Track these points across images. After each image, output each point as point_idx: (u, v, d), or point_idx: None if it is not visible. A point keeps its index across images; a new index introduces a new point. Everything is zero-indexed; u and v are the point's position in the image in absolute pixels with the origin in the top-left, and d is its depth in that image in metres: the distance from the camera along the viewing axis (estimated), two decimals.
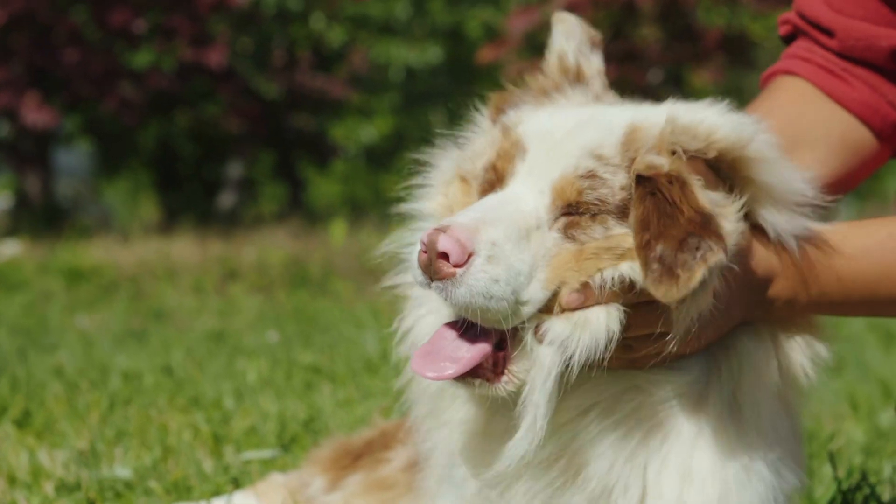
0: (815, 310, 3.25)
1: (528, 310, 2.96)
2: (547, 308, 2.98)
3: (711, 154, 3.02)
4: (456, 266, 2.88)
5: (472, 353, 2.99)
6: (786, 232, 3.13)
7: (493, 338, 3.00)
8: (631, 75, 27.37)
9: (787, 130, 3.44)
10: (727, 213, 2.95)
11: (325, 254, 20.24)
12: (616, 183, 2.98)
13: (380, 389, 7.35)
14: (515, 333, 3.00)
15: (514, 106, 3.28)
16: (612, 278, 2.93)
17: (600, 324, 2.94)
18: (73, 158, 41.47)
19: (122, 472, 5.10)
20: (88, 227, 25.41)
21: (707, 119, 3.08)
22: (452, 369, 2.98)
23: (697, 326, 2.95)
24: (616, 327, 2.94)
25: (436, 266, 2.89)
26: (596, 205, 2.97)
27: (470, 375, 2.99)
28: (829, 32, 3.77)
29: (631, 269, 2.92)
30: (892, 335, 10.48)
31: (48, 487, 4.87)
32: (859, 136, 3.76)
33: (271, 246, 20.86)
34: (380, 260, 3.35)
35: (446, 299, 2.92)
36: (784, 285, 3.16)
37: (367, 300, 15.41)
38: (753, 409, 3.13)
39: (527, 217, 2.99)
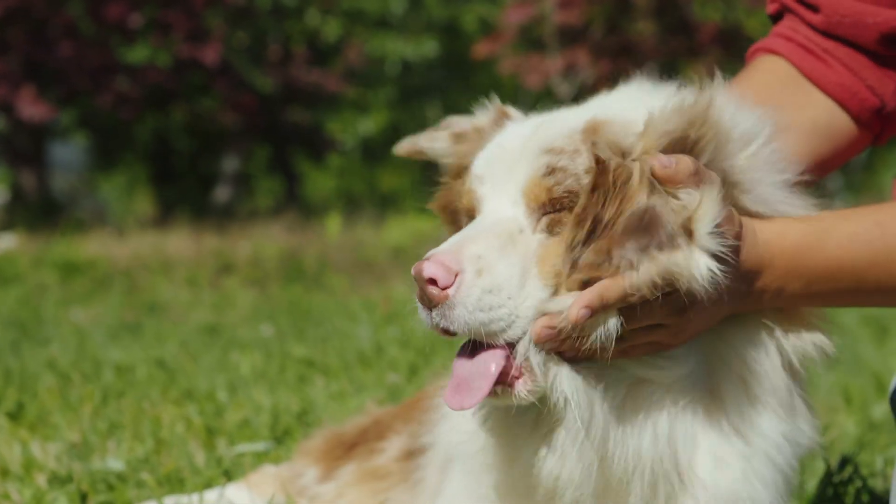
0: (804, 301, 3.21)
1: (531, 313, 2.94)
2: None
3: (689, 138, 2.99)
4: (445, 288, 2.89)
5: (487, 369, 2.96)
6: (770, 213, 3.13)
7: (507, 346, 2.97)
8: (626, 69, 27.29)
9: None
10: (698, 213, 2.89)
11: (320, 248, 20.23)
12: (579, 167, 2.98)
13: (373, 382, 7.35)
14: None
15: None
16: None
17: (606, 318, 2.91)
18: (69, 152, 41.45)
19: (115, 464, 5.09)
20: (83, 221, 25.40)
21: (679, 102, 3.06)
22: (478, 392, 2.95)
23: (689, 317, 2.95)
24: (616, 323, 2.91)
25: (428, 294, 2.91)
26: (567, 197, 2.97)
27: (497, 385, 2.97)
28: (814, 7, 3.69)
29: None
30: (886, 329, 10.49)
31: (41, 480, 4.87)
32: (836, 120, 3.68)
33: (266, 240, 20.86)
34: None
35: (446, 324, 2.92)
36: (772, 276, 3.12)
37: (362, 294, 15.44)
38: (755, 389, 3.13)
39: (507, 223, 3.00)
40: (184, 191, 38.71)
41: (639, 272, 2.82)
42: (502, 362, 2.95)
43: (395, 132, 40.59)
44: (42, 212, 27.40)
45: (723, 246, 2.88)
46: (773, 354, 3.16)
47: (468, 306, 2.89)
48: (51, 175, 34.61)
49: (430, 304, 2.92)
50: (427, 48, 37.04)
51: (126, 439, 5.66)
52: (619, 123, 3.03)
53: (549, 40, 28.60)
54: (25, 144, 30.72)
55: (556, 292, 2.94)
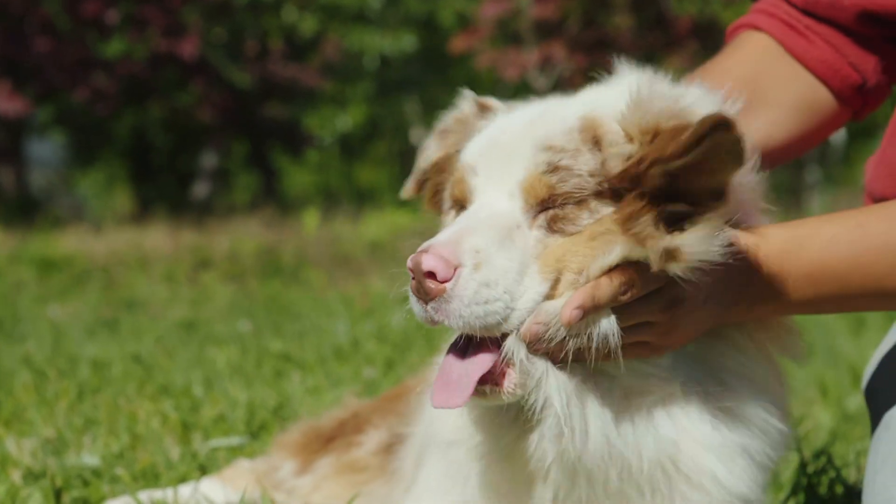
0: (791, 308, 3.20)
1: (528, 306, 2.90)
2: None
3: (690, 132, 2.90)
4: (444, 282, 2.84)
5: (477, 366, 2.93)
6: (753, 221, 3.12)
7: (499, 344, 2.94)
8: (603, 63, 27.36)
9: (747, 88, 3.40)
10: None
11: (298, 243, 20.24)
12: (582, 167, 2.94)
13: (349, 377, 7.36)
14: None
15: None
16: (608, 262, 2.88)
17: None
18: (47, 149, 41.32)
19: (90, 459, 5.08)
20: (61, 218, 25.35)
21: (684, 96, 3.06)
22: (466, 390, 2.91)
23: (677, 315, 2.95)
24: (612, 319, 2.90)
25: (425, 287, 2.85)
26: (575, 194, 2.93)
27: (480, 384, 2.93)
28: None
29: (629, 247, 2.87)
30: (862, 321, 10.52)
31: (15, 475, 4.85)
32: (818, 96, 3.72)
33: (244, 235, 20.85)
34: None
35: (441, 318, 2.87)
36: (758, 281, 3.10)
37: (339, 289, 15.44)
38: (740, 406, 3.13)
39: (504, 218, 2.95)
40: (162, 187, 38.59)
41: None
42: (489, 364, 2.92)
43: (373, 127, 40.61)
44: (20, 208, 27.34)
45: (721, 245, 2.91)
46: (753, 356, 3.16)
47: (464, 300, 2.85)
48: (28, 171, 34.53)
49: (426, 297, 2.87)
50: (405, 42, 36.98)
51: (101, 435, 5.65)
52: (611, 118, 3.01)
53: (526, 34, 28.61)
54: (2, 141, 30.63)
55: (553, 288, 2.92)
